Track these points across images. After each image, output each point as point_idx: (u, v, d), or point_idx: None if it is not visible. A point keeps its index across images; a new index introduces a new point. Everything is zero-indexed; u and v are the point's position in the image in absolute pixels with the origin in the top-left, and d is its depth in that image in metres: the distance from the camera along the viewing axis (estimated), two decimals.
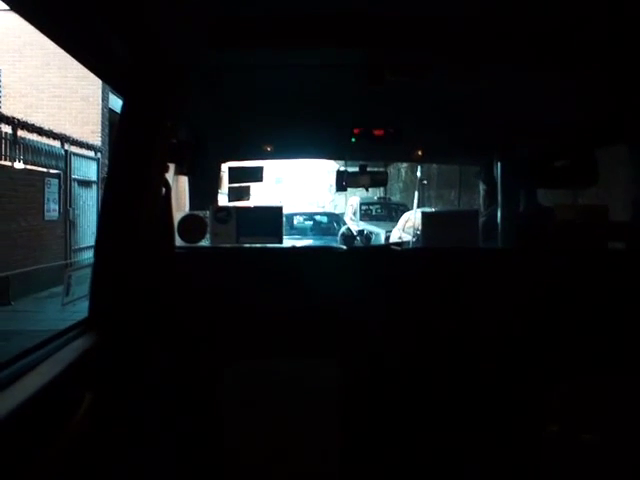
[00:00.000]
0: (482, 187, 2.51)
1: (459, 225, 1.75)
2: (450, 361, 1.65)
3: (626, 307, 1.61)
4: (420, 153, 2.87)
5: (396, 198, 14.34)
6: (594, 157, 2.07)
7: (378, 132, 2.22)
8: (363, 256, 1.88)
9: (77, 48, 1.21)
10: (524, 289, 1.63)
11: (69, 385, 1.13)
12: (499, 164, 2.03)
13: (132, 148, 1.48)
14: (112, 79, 1.46)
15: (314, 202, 23.71)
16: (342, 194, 18.61)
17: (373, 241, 8.71)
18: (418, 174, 8.86)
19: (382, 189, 15.50)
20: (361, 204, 12.64)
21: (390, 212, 12.41)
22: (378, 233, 9.93)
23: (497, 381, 1.62)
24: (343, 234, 7.03)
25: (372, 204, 12.84)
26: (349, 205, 14.01)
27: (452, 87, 1.81)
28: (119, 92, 1.55)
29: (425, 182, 12.84)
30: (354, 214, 12.53)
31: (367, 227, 10.60)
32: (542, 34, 1.36)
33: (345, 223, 9.63)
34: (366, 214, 12.44)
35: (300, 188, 29.18)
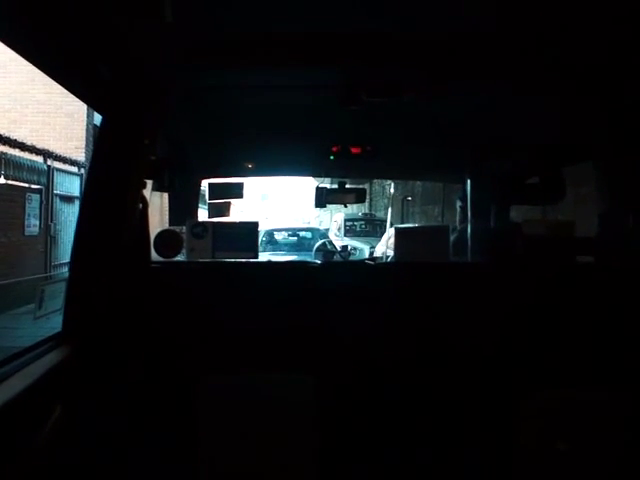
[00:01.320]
0: (458, 204, 2.57)
1: (430, 240, 1.80)
2: (426, 374, 1.67)
3: (595, 320, 1.66)
4: (397, 170, 2.93)
5: (381, 214, 14.46)
6: (562, 175, 2.15)
7: (355, 150, 2.28)
8: (337, 271, 1.91)
9: (53, 66, 1.23)
10: (492, 302, 1.68)
11: (38, 397, 1.14)
12: (469, 181, 2.10)
13: (109, 164, 1.51)
14: (90, 97, 1.49)
15: (300, 218, 23.77)
16: (327, 210, 18.68)
17: (357, 257, 8.74)
18: (391, 190, 8.95)
19: (367, 205, 15.63)
20: (346, 220, 12.71)
21: (375, 228, 12.49)
22: (362, 249, 9.98)
23: (472, 393, 1.65)
24: (318, 249, 6.99)
25: (357, 220, 12.92)
26: (334, 221, 14.08)
27: (426, 105, 1.87)
28: (97, 110, 1.58)
29: (409, 198, 12.98)
30: (338, 230, 12.59)
31: (351, 243, 10.64)
32: (514, 56, 1.41)
33: (328, 238, 9.66)
34: (351, 230, 12.50)
35: (286, 204, 29.25)
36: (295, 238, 9.78)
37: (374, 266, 1.91)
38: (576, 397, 1.62)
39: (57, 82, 1.27)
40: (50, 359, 1.28)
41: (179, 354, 1.63)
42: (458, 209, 2.50)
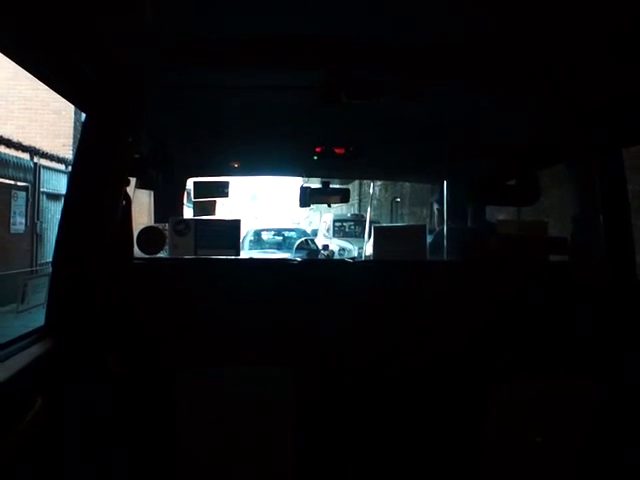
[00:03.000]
0: (435, 207, 2.62)
1: (408, 239, 1.85)
2: (401, 367, 1.72)
3: (565, 315, 1.72)
4: (379, 171, 2.98)
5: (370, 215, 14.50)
6: (537, 177, 2.22)
7: (339, 150, 2.32)
8: (316, 268, 1.95)
9: (36, 65, 1.25)
10: (466, 298, 1.73)
11: (19, 390, 1.16)
12: (445, 182, 2.16)
13: (92, 162, 1.54)
14: (73, 95, 1.51)
15: (289, 219, 23.78)
16: (317, 211, 18.68)
17: (345, 257, 8.81)
18: (370, 191, 9.10)
19: (357, 206, 15.67)
20: (334, 221, 12.78)
21: (363, 229, 12.53)
22: (350, 249, 10.06)
23: (447, 385, 1.70)
24: (299, 247, 7.10)
25: (346, 221, 12.99)
26: (322, 222, 14.13)
27: (406, 108, 1.92)
28: (80, 108, 1.60)
29: (398, 200, 13.07)
30: (327, 231, 12.65)
31: (340, 243, 10.73)
32: (492, 59, 1.45)
33: (310, 236, 9.78)
34: (340, 231, 12.57)
35: (275, 205, 29.31)
36: (281, 238, 9.92)
37: (352, 264, 1.95)
38: (548, 389, 1.67)
39: (40, 80, 1.29)
40: (32, 352, 1.30)
41: (161, 348, 1.66)
42: (435, 211, 2.55)
